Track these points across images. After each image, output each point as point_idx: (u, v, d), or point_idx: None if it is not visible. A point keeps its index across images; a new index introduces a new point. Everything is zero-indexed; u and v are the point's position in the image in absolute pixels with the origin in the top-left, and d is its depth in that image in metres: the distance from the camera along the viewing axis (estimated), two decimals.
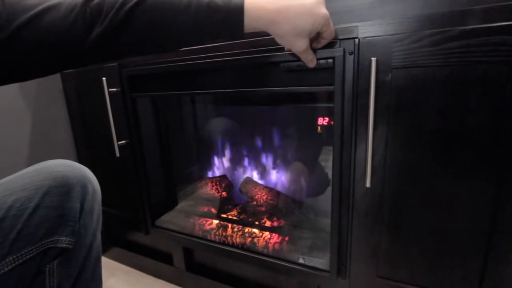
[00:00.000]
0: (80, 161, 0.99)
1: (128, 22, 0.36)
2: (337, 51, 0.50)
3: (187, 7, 0.38)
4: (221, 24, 0.39)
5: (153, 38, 0.39)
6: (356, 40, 0.49)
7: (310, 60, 0.49)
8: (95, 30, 0.35)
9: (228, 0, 0.39)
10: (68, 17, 0.34)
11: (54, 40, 0.35)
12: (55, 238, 0.40)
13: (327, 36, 0.48)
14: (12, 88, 0.86)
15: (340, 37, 0.50)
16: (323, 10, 0.43)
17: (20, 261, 0.37)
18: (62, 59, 0.37)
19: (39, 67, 0.37)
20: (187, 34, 0.40)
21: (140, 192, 0.85)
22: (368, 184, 0.51)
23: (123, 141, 0.81)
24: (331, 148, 0.55)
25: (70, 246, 0.41)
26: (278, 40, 0.45)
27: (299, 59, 0.51)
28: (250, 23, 0.40)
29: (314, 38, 0.48)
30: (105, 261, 1.04)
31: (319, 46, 0.49)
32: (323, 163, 0.86)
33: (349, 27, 0.49)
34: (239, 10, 0.39)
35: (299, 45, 0.44)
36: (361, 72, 0.49)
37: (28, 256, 0.38)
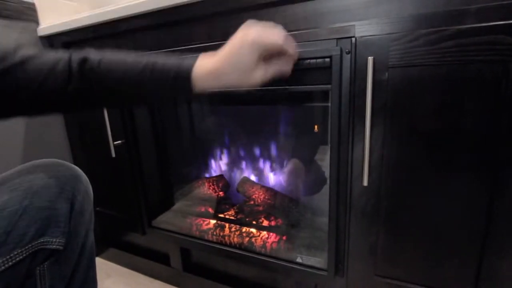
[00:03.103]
0: (75, 161, 0.98)
1: (89, 86, 0.40)
2: (334, 50, 0.50)
3: (141, 73, 0.41)
4: (174, 90, 0.42)
5: (115, 100, 0.45)
6: (353, 39, 0.49)
7: (282, 73, 0.47)
8: (68, 87, 0.40)
9: (178, 66, 0.41)
10: (53, 71, 0.39)
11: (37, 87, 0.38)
12: (45, 240, 0.39)
13: (287, 50, 0.45)
14: None
15: (337, 36, 0.50)
16: (254, 32, 0.42)
17: (10, 263, 0.36)
18: (45, 104, 0.41)
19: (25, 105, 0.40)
20: (144, 97, 0.44)
21: (136, 192, 0.85)
22: (365, 183, 0.52)
23: (119, 141, 0.81)
24: (327, 147, 0.55)
25: (61, 247, 0.41)
26: (241, 87, 0.44)
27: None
28: (201, 85, 0.42)
29: (279, 59, 0.47)
30: (101, 262, 1.03)
31: (290, 67, 0.48)
32: (320, 162, 0.87)
33: (346, 26, 0.49)
34: (187, 77, 0.41)
35: (257, 78, 0.43)
36: (358, 71, 0.49)
37: (17, 259, 0.37)
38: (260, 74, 0.43)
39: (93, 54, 0.41)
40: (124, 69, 0.41)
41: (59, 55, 0.40)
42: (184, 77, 0.41)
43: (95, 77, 0.40)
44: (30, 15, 0.88)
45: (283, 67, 0.46)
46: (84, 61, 0.40)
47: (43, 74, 0.38)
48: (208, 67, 0.42)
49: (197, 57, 0.43)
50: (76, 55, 0.41)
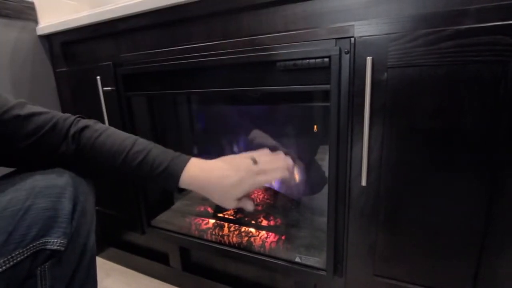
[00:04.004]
0: None
1: (79, 155, 0.45)
2: (333, 50, 0.50)
3: (128, 162, 0.45)
4: (157, 183, 0.47)
5: (99, 173, 0.49)
6: (352, 39, 0.49)
7: (245, 208, 0.51)
8: (60, 148, 0.44)
9: (167, 167, 0.46)
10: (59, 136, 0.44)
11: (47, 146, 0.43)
12: (46, 240, 0.39)
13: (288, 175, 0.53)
14: (5, 87, 0.85)
15: (336, 36, 0.50)
16: (248, 183, 0.48)
17: (11, 263, 0.36)
18: (41, 156, 0.44)
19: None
20: (127, 179, 0.50)
21: (135, 192, 0.85)
22: (364, 183, 0.52)
23: None
24: (327, 147, 0.55)
25: (62, 248, 0.40)
26: (212, 200, 0.51)
27: (295, 59, 0.51)
28: (184, 186, 0.47)
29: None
30: (100, 261, 1.03)
31: (253, 207, 0.53)
32: (320, 162, 0.86)
33: (345, 26, 0.49)
34: (175, 180, 0.46)
35: (230, 206, 0.50)
36: (357, 71, 0.49)
37: (18, 259, 0.37)
38: (236, 204, 0.49)
39: (95, 127, 0.46)
40: (112, 155, 0.45)
41: (64, 116, 0.45)
42: (170, 177, 0.46)
43: (86, 151, 0.44)
44: (29, 14, 0.88)
45: (250, 205, 0.51)
46: (82, 129, 0.44)
47: (45, 129, 0.43)
48: (197, 178, 0.47)
49: (188, 160, 0.48)
50: (81, 122, 0.45)
